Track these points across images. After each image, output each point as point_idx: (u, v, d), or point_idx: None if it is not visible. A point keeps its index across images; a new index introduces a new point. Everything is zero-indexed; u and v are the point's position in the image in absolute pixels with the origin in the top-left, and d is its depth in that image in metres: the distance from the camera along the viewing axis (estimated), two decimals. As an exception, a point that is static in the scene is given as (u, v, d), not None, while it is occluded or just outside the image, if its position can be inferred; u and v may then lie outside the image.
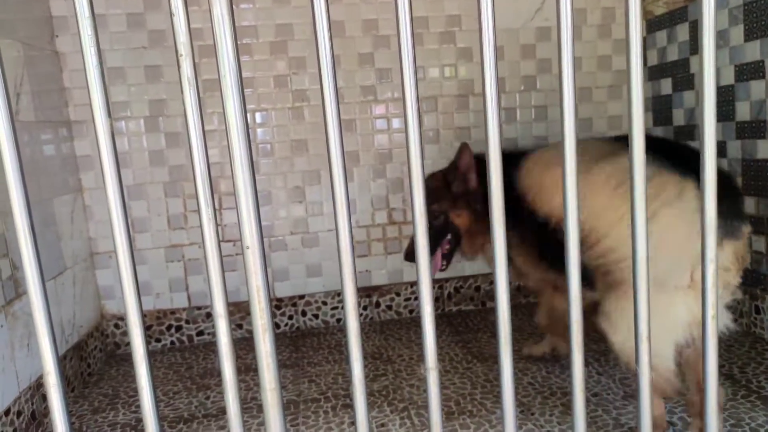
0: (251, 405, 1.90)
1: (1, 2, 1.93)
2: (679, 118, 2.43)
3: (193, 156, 0.73)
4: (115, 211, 0.73)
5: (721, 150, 2.20)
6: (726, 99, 2.18)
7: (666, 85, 2.49)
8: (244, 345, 2.45)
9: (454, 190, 1.86)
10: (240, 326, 2.55)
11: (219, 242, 0.76)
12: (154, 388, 0.80)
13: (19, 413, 1.70)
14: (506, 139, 2.64)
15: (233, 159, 0.72)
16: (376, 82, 2.53)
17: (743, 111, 2.12)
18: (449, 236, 1.88)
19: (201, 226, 0.75)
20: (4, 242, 1.73)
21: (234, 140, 0.71)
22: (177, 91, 2.37)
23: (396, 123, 2.57)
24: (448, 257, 1.91)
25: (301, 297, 2.58)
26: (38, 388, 1.84)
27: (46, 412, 1.88)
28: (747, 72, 2.08)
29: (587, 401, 1.76)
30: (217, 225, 0.77)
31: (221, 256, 0.77)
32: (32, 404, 1.78)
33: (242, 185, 0.74)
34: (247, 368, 2.21)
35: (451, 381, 1.95)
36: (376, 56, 2.51)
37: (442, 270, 1.93)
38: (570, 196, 0.80)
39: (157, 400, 2.02)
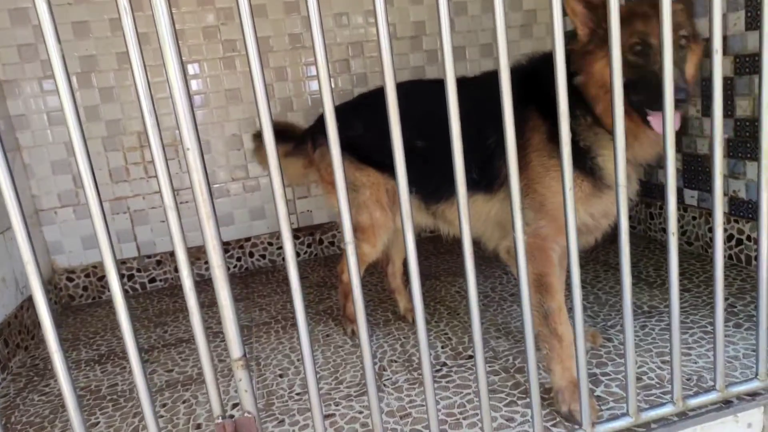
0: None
1: None
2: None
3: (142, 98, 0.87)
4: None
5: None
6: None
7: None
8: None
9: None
10: (190, 271, 2.68)
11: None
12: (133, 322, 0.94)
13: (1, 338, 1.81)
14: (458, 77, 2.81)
15: (166, 64, 0.86)
16: (303, 30, 2.64)
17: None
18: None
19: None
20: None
21: (166, 48, 0.85)
22: (107, 46, 2.43)
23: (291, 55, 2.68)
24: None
25: (247, 239, 2.73)
26: (13, 323, 1.95)
27: (23, 343, 1.99)
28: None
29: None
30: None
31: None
32: (14, 335, 1.89)
33: (177, 89, 0.87)
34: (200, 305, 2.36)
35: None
36: (301, 6, 2.61)
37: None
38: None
39: (118, 338, 2.14)
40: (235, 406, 1.56)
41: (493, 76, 1.04)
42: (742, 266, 2.01)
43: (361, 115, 1.68)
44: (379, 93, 1.16)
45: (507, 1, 2.83)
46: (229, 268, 2.70)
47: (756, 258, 1.27)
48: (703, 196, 2.19)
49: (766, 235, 1.24)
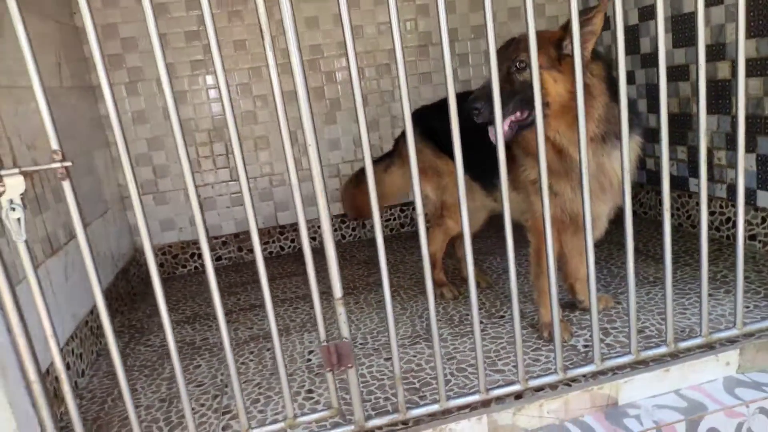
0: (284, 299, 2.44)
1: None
2: (645, 46, 2.74)
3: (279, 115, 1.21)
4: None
5: (630, 78, 2.76)
6: (633, 36, 2.73)
7: (633, 16, 2.90)
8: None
9: (563, 47, 1.55)
10: (251, 250, 3.06)
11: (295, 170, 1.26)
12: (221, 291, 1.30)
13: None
14: (460, 82, 3.14)
15: (297, 87, 1.20)
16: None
17: (645, 45, 2.68)
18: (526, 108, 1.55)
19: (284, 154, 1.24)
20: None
21: (297, 73, 1.19)
22: (182, 55, 2.80)
23: (367, 72, 3.04)
24: (513, 128, 1.58)
25: (300, 223, 3.09)
26: (111, 290, 2.33)
27: (120, 308, 2.38)
28: (647, 13, 2.62)
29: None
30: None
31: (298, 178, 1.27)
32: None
33: (302, 96, 1.22)
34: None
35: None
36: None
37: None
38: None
39: (199, 304, 2.51)
40: (311, 352, 1.93)
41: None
42: (737, 245, 2.31)
43: (438, 114, 1.99)
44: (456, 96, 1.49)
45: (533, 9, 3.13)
46: (283, 249, 3.07)
47: (753, 238, 1.59)
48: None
49: (742, 213, 1.56)
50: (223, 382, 1.83)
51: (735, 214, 1.66)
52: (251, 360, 1.94)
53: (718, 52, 2.29)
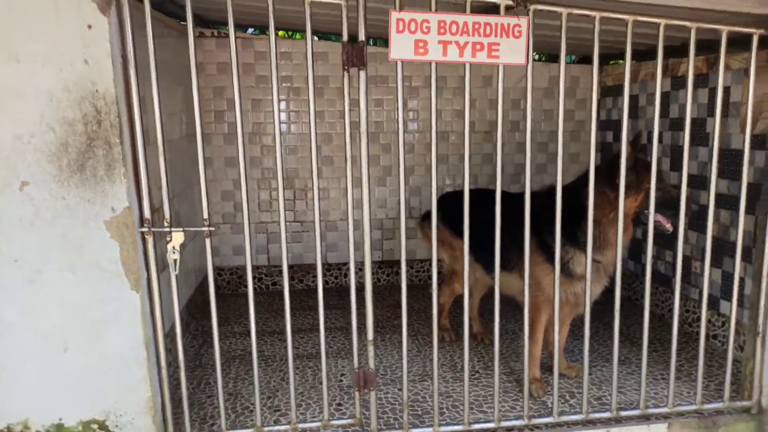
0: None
1: (168, 53, 3.00)
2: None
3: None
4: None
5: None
6: (643, 151, 3.24)
7: (609, 135, 3.55)
8: (304, 295, 3.58)
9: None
10: (302, 281, 3.67)
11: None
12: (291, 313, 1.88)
13: (188, 310, 2.83)
14: (515, 165, 3.69)
15: (363, 169, 1.79)
16: (407, 119, 3.60)
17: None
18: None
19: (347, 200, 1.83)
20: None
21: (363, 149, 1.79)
22: (270, 116, 3.47)
23: (416, 148, 3.63)
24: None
25: (345, 264, 3.69)
26: (192, 300, 2.97)
27: (196, 315, 3.01)
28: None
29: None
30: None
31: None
32: (192, 309, 2.91)
33: (365, 175, 1.81)
34: (310, 307, 3.33)
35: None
36: (408, 102, 3.58)
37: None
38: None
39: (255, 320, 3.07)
40: (342, 375, 2.50)
41: (519, 197, 1.95)
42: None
43: (453, 204, 2.54)
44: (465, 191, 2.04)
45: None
46: (328, 283, 3.67)
47: (715, 337, 2.09)
48: (683, 286, 2.96)
49: (677, 307, 2.06)
50: (274, 387, 2.41)
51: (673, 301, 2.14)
52: (296, 374, 2.51)
53: (701, 182, 2.80)
